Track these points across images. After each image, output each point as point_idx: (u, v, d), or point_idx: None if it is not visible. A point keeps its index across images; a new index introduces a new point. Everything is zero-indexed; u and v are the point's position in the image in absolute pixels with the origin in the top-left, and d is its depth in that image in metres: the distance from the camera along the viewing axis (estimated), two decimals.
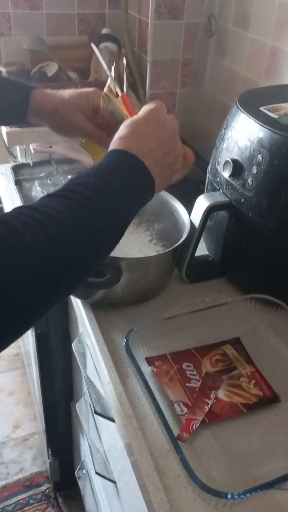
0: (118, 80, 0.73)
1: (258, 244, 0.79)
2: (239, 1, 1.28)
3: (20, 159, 1.48)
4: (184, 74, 1.55)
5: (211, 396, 0.67)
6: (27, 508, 1.49)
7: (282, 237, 0.75)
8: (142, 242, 0.90)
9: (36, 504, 1.49)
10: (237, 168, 0.78)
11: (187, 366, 0.71)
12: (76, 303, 0.84)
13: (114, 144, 0.60)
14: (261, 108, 0.78)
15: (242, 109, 0.78)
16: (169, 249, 0.80)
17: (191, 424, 0.63)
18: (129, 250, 0.86)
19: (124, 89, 0.72)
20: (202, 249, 0.91)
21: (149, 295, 0.84)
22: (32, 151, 1.25)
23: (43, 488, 1.54)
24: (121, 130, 0.62)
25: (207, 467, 0.60)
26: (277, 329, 0.79)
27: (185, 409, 0.65)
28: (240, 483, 0.58)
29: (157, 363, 0.71)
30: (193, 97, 1.57)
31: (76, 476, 1.28)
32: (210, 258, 0.92)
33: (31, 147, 1.26)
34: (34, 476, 1.57)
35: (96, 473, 0.94)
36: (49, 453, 1.41)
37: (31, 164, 1.31)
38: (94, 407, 0.82)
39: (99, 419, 0.87)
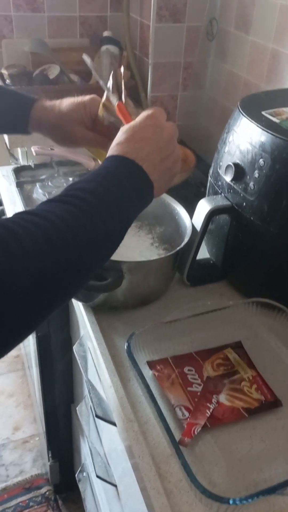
0: (117, 88, 0.74)
1: (259, 248, 0.80)
2: (241, 4, 1.28)
3: (22, 161, 1.48)
4: (185, 77, 1.56)
5: (212, 401, 0.66)
6: (27, 510, 1.48)
7: (284, 241, 0.75)
8: (144, 245, 0.90)
9: (36, 507, 1.49)
10: (239, 172, 0.78)
11: (189, 370, 0.71)
12: (78, 306, 0.84)
13: (112, 150, 0.61)
14: (263, 113, 0.78)
15: (244, 113, 0.78)
16: (171, 252, 0.80)
17: (193, 428, 0.63)
18: (131, 254, 0.86)
19: (123, 97, 0.72)
20: (203, 253, 0.91)
21: (151, 299, 0.84)
22: (34, 153, 1.25)
23: (43, 490, 1.54)
24: (119, 136, 0.62)
25: (208, 471, 0.59)
26: (278, 333, 0.79)
27: (187, 414, 0.65)
28: (242, 488, 0.58)
29: (158, 367, 0.71)
30: (194, 100, 1.58)
31: (77, 478, 1.27)
32: (211, 262, 0.92)
33: (32, 149, 1.26)
34: (34, 478, 1.57)
35: (97, 476, 0.94)
36: (49, 455, 1.41)
37: (33, 166, 1.31)
38: (95, 410, 0.82)
39: (100, 422, 0.87)
